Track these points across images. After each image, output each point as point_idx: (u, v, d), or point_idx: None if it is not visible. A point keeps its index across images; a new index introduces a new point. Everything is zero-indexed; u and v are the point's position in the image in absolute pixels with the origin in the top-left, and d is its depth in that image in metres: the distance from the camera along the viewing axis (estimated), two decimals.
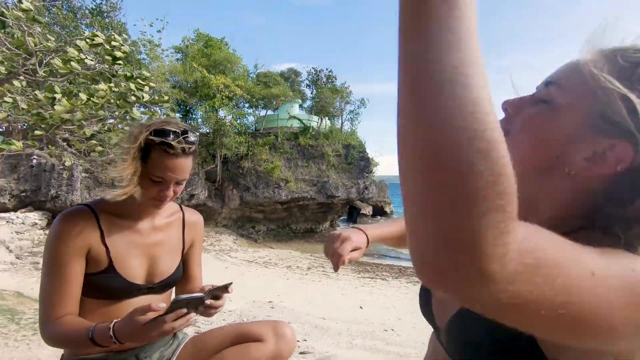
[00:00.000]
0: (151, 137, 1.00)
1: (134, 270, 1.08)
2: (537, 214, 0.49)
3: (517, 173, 0.50)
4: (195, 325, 4.49)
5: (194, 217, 1.28)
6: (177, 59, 16.50)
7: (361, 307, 6.18)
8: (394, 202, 29.90)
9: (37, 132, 5.05)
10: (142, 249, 1.10)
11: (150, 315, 0.84)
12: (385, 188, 27.26)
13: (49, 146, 6.16)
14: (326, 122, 19.57)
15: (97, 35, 4.91)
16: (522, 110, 0.50)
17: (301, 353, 3.79)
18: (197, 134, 1.11)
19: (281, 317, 4.99)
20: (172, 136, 1.01)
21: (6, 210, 12.55)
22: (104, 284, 1.03)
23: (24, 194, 13.12)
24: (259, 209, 16.59)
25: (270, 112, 19.37)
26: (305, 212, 17.44)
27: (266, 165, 16.29)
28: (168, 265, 1.15)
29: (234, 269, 9.72)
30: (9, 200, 12.89)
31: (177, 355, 1.19)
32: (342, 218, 22.19)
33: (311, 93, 22.51)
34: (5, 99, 4.58)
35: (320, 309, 5.91)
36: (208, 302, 0.94)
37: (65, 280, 0.97)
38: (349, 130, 20.00)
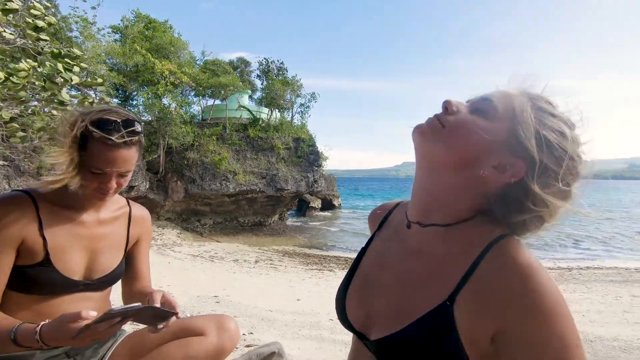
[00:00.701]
0: (90, 128, 0.92)
1: (73, 264, 1.00)
2: (445, 201, 0.59)
3: (438, 167, 0.58)
4: (132, 325, 4.28)
5: (141, 213, 1.23)
6: (115, 40, 15.24)
7: (298, 300, 6.28)
8: (342, 195, 30.56)
9: None
10: (84, 242, 1.02)
11: (81, 323, 0.78)
12: (334, 182, 27.75)
13: None
14: (276, 115, 19.37)
15: (11, 0, 4.36)
16: (460, 112, 0.59)
17: (247, 346, 3.77)
18: (141, 123, 1.04)
19: (227, 311, 4.90)
20: (113, 126, 0.93)
21: None
22: (38, 277, 0.94)
23: None
24: (205, 201, 16.03)
25: (218, 101, 18.71)
26: (254, 205, 17.18)
27: (213, 156, 15.75)
28: (109, 261, 1.09)
29: (177, 264, 9.33)
30: None
31: (112, 351, 1.13)
32: (291, 211, 22.22)
33: (261, 84, 22.11)
34: None
35: (267, 301, 5.89)
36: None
37: None
38: (299, 123, 19.99)
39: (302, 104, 20.44)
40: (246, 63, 24.38)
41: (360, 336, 0.64)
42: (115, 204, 1.15)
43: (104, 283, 1.08)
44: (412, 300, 0.57)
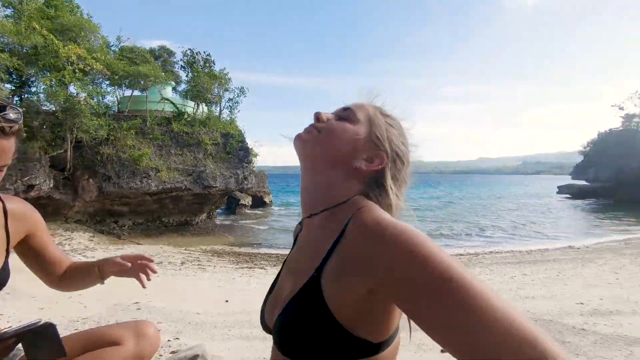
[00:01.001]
0: None
1: None
2: (328, 193, 0.70)
3: (320, 166, 0.70)
4: None
5: (19, 206, 1.08)
6: (7, 16, 13.14)
7: (227, 301, 6.17)
8: (273, 192, 30.37)
9: None
10: None
11: None
12: (265, 178, 27.47)
13: None
14: (203, 109, 18.52)
15: None
16: (330, 120, 0.73)
17: (172, 352, 3.60)
18: (20, 109, 0.92)
19: (150, 317, 4.61)
20: None
21: None
22: None
23: None
24: (124, 201, 14.72)
25: (137, 92, 17.26)
26: (180, 203, 16.24)
27: (132, 152, 14.51)
28: None
29: None
30: None
31: None
32: (220, 209, 21.48)
33: (186, 76, 20.92)
34: None
35: (194, 304, 5.66)
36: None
37: None
38: (228, 118, 19.37)
39: (230, 99, 19.83)
40: (169, 52, 22.79)
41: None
42: None
43: None
44: (293, 283, 0.64)
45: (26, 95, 13.72)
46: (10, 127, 0.86)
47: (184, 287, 6.98)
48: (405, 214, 0.74)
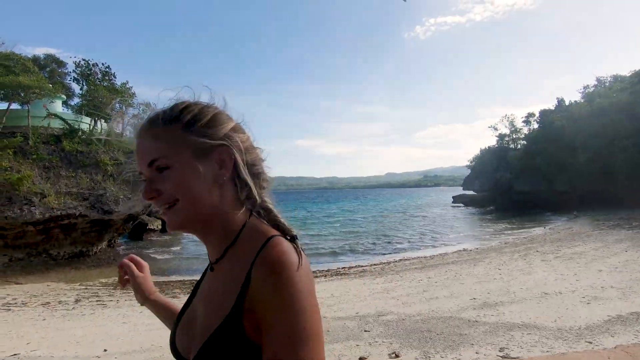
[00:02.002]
0: None
1: None
2: (222, 235, 0.68)
3: (200, 228, 0.69)
4: None
5: None
6: None
7: (121, 339, 5.62)
8: None
9: None
10: None
11: None
12: None
13: None
14: (102, 125, 16.77)
15: None
16: (161, 187, 0.64)
17: None
18: None
19: None
20: None
21: None
22: None
23: None
24: None
25: (16, 106, 14.87)
26: (72, 232, 14.18)
27: (8, 174, 12.35)
28: None
29: None
30: None
31: None
32: (124, 236, 19.36)
33: (80, 89, 18.79)
34: None
35: (93, 347, 4.98)
36: None
37: None
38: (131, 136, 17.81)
39: (134, 115, 18.25)
40: (59, 63, 20.28)
41: None
42: None
43: None
44: (209, 321, 0.65)
45: None
46: None
47: (78, 329, 6.09)
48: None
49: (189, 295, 0.82)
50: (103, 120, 16.94)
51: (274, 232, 0.66)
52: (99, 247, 15.63)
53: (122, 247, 18.37)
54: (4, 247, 12.76)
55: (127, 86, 19.27)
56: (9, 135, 13.53)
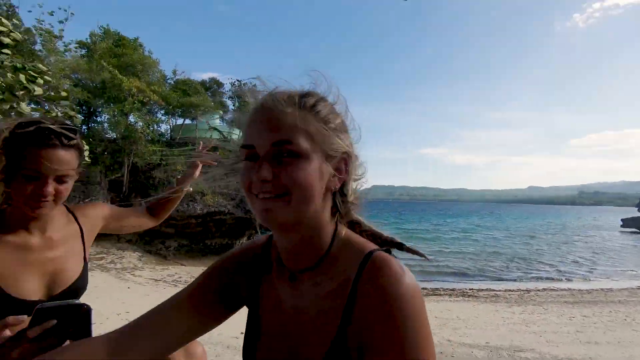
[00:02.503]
0: (22, 130, 0.91)
1: (28, 286, 0.96)
2: (312, 245, 0.63)
3: (293, 228, 0.61)
4: None
5: (86, 212, 1.18)
6: (82, 56, 14.84)
7: None
8: None
9: None
10: (35, 265, 0.98)
11: (6, 332, 0.71)
12: None
13: None
14: None
15: None
16: (278, 172, 0.56)
17: None
18: (77, 128, 1.02)
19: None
20: (47, 128, 0.92)
21: None
22: None
23: None
24: (170, 223, 15.45)
25: (188, 121, 18.46)
26: (222, 227, 16.78)
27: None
28: (69, 274, 1.05)
29: (138, 289, 8.85)
30: None
31: None
32: (261, 232, 21.86)
33: (233, 105, 22.11)
34: None
35: (232, 328, 5.70)
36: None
37: None
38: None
39: None
40: (218, 84, 24.32)
41: None
42: (60, 221, 1.09)
43: (67, 296, 1.02)
44: (309, 344, 0.60)
45: (92, 125, 15.17)
46: (70, 139, 0.96)
47: None
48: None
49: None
50: None
51: (371, 245, 0.62)
52: (241, 241, 18.06)
53: None
54: (175, 235, 15.93)
55: None
56: (183, 145, 16.86)
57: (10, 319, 0.71)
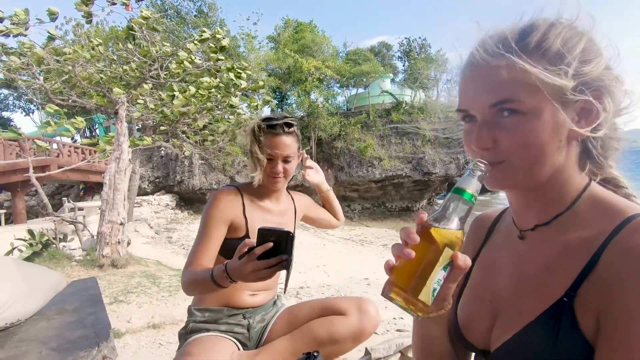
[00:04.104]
0: (260, 124, 1.25)
1: None
2: (547, 198, 0.54)
3: (525, 188, 0.54)
4: (297, 297, 4.85)
5: (299, 198, 1.52)
6: (271, 48, 17.37)
7: None
8: None
9: (162, 128, 5.95)
10: (271, 225, 1.27)
11: (244, 249, 0.95)
12: None
13: (172, 139, 7.24)
14: (420, 95, 18.58)
15: (204, 32, 5.50)
16: (499, 137, 0.49)
17: (398, 330, 3.82)
18: (295, 118, 1.31)
19: (377, 294, 5.07)
20: (274, 120, 1.25)
21: (146, 194, 15.14)
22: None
23: (158, 179, 15.64)
24: (354, 188, 16.82)
25: (361, 90, 19.18)
26: (401, 190, 17.06)
27: (359, 144, 16.32)
28: None
29: (331, 246, 10.14)
30: (148, 185, 15.51)
31: (274, 319, 1.36)
32: (440, 196, 21.13)
33: (403, 66, 21.54)
34: (138, 101, 5.49)
35: None
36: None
37: (208, 238, 1.19)
38: (446, 101, 18.67)
39: (448, 80, 18.96)
40: (387, 47, 24.02)
41: (481, 354, 0.60)
42: (286, 198, 1.45)
43: None
44: (526, 301, 0.52)
45: (285, 107, 17.77)
46: (289, 127, 1.26)
47: None
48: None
49: None
50: (421, 90, 18.70)
51: (635, 207, 0.47)
52: (420, 204, 17.94)
53: (439, 205, 20.15)
54: (358, 198, 17.26)
55: (441, 53, 20.16)
56: (358, 114, 17.71)
57: (247, 241, 0.96)
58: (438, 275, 0.46)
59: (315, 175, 1.57)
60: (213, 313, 1.27)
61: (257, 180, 1.26)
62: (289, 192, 1.50)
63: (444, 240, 0.46)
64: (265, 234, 0.93)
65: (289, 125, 1.26)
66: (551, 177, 0.51)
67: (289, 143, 1.26)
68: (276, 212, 1.36)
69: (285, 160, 1.27)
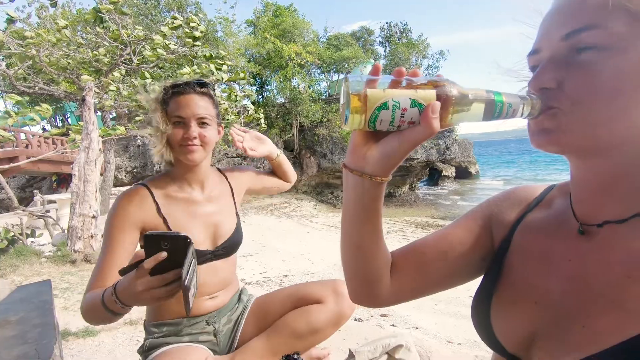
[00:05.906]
0: (167, 88, 1.08)
1: (197, 235, 1.11)
2: (626, 188, 0.42)
3: (588, 155, 0.42)
4: (281, 286, 4.85)
5: (234, 174, 1.31)
6: (250, 33, 16.92)
7: None
8: (480, 162, 27.74)
9: (137, 118, 5.72)
10: (200, 217, 1.13)
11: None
12: (470, 147, 25.30)
13: (149, 127, 6.99)
14: None
15: (176, 18, 5.27)
16: (565, 76, 0.39)
17: (382, 315, 3.86)
18: (209, 82, 1.15)
19: None
20: (183, 82, 1.09)
21: (124, 184, 14.72)
22: None
23: (135, 169, 15.21)
24: (336, 174, 16.82)
25: (342, 75, 19.01)
26: None
27: (340, 131, 16.26)
28: (227, 228, 1.19)
29: (316, 233, 10.16)
30: (125, 175, 15.07)
31: (244, 318, 1.23)
32: (422, 181, 21.43)
33: (384, 51, 21.41)
34: (110, 87, 5.24)
35: None
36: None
37: (112, 251, 0.98)
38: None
39: (429, 65, 19.06)
40: (369, 32, 23.76)
41: (510, 358, 0.50)
42: (215, 181, 1.22)
43: (228, 248, 1.17)
44: (596, 316, 0.41)
45: (265, 93, 17.46)
46: (203, 88, 1.10)
47: None
48: None
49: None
50: None
51: None
52: (403, 190, 18.15)
53: (420, 190, 20.46)
54: (341, 185, 17.18)
55: (422, 39, 20.14)
56: (338, 101, 17.61)
57: (138, 252, 0.82)
58: (402, 101, 0.38)
59: (260, 146, 1.33)
60: (171, 326, 1.12)
61: (159, 156, 1.07)
62: (221, 172, 1.28)
63: (441, 85, 0.38)
64: (155, 241, 0.74)
65: (202, 84, 1.10)
66: (626, 141, 0.39)
67: (202, 104, 1.08)
68: (204, 200, 1.15)
69: (201, 122, 1.07)
